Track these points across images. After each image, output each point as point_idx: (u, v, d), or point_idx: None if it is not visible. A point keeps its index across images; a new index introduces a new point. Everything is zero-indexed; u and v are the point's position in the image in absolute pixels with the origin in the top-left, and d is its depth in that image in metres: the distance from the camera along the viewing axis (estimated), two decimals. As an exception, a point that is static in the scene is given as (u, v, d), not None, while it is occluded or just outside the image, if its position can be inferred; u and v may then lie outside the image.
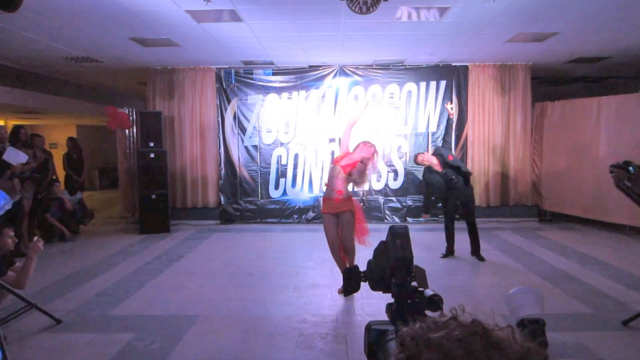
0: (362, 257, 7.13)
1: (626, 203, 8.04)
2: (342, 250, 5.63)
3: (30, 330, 4.58)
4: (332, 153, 10.12)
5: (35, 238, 4.62)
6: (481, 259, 7.02)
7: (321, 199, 7.01)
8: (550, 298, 5.28)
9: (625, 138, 8.30)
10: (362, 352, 1.50)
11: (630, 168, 4.52)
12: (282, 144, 10.19)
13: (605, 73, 10.56)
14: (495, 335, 0.80)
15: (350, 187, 5.65)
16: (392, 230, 1.59)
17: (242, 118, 10.19)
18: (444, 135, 9.77)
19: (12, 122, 14.06)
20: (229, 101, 10.20)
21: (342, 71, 10.03)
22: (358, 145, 5.65)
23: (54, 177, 9.29)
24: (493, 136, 10.09)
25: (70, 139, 10.87)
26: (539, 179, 10.20)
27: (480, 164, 10.12)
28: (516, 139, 10.11)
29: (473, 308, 0.90)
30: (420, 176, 10.12)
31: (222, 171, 10.28)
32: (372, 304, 5.06)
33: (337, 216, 5.55)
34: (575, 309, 5.02)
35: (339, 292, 5.55)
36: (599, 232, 8.81)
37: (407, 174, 10.15)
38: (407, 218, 10.13)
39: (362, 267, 1.71)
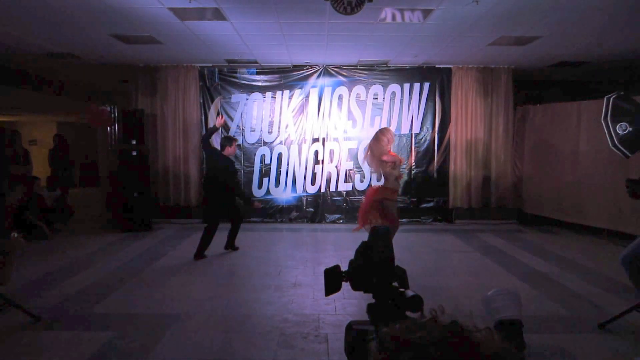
0: (344, 256, 7.17)
1: (605, 207, 8.23)
2: None
3: (8, 328, 4.51)
4: (316, 153, 10.13)
5: (15, 233, 4.55)
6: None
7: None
8: (528, 300, 5.34)
9: (605, 142, 8.37)
10: (342, 352, 1.51)
11: None
12: (265, 143, 10.16)
13: (585, 78, 10.69)
14: (474, 337, 0.81)
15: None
16: (374, 231, 1.60)
17: (225, 117, 10.14)
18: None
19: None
20: (212, 100, 10.15)
21: (326, 71, 10.04)
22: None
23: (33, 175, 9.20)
24: (475, 138, 10.16)
25: (57, 136, 10.80)
26: (520, 181, 10.29)
27: (462, 165, 10.20)
28: (498, 141, 10.19)
29: (453, 309, 0.91)
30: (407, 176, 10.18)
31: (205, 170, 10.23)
32: (354, 304, 5.08)
33: None
34: (553, 311, 5.08)
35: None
36: (577, 236, 8.91)
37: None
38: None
39: (344, 267, 1.71)
